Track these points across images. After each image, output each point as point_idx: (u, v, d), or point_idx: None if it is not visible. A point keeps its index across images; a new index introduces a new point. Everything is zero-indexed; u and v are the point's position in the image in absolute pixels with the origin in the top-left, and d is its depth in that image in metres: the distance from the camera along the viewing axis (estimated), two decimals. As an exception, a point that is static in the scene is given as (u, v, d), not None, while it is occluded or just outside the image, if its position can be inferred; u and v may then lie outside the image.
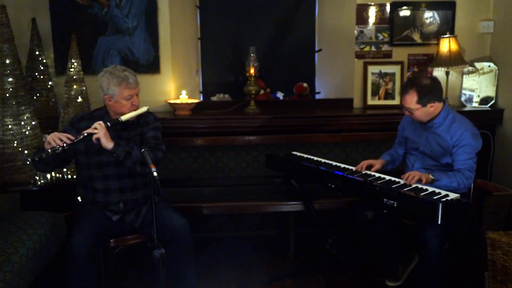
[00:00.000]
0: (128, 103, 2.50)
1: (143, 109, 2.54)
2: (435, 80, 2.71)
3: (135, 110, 2.51)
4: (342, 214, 3.42)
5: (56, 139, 2.28)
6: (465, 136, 2.59)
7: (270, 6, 4.15)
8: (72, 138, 2.33)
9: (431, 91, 2.61)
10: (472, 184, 2.73)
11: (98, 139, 2.33)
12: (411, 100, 2.60)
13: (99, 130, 2.33)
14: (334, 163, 2.94)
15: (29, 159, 2.30)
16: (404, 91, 2.65)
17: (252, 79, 3.68)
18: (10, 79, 2.98)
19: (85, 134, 2.33)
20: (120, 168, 2.49)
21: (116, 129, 2.51)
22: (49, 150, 2.26)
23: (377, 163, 2.84)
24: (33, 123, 3.10)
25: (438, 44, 3.77)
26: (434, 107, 2.63)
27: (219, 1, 4.11)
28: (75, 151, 2.52)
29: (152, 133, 2.59)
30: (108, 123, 2.39)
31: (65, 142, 2.28)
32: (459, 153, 2.60)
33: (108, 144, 2.34)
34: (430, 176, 2.54)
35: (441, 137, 2.66)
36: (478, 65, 3.83)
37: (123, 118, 2.46)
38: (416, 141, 2.80)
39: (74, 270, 2.33)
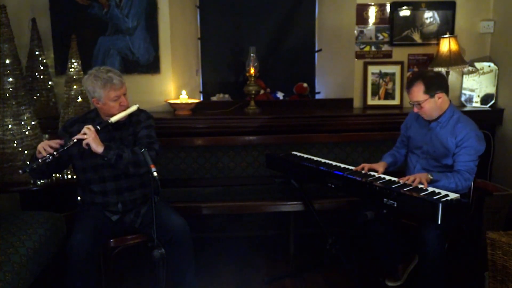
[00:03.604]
0: (116, 104, 2.47)
1: (133, 109, 2.52)
2: (439, 73, 2.80)
3: (124, 110, 2.49)
4: (342, 214, 3.41)
5: (47, 147, 2.27)
6: (469, 137, 2.58)
7: (270, 6, 4.15)
8: (62, 143, 2.33)
9: (437, 80, 2.64)
10: (472, 184, 2.73)
11: (88, 144, 2.31)
12: (418, 91, 2.60)
13: (88, 134, 2.30)
14: (334, 163, 2.94)
15: (20, 171, 2.27)
16: (410, 84, 2.65)
17: (252, 79, 3.68)
18: (10, 79, 2.98)
19: (75, 140, 2.31)
20: (115, 169, 2.47)
21: (108, 130, 2.49)
22: (40, 160, 2.24)
23: (380, 168, 2.79)
24: (33, 123, 3.10)
25: (438, 44, 3.77)
26: (442, 99, 2.63)
27: (219, 1, 4.11)
28: (70, 155, 2.51)
29: (145, 132, 2.56)
30: (98, 127, 2.37)
31: (55, 151, 2.26)
32: (461, 154, 2.60)
33: (98, 148, 2.31)
34: (429, 176, 2.54)
35: (445, 137, 2.65)
36: (478, 65, 3.83)
37: (113, 119, 2.44)
38: (420, 140, 2.79)
39: (74, 270, 2.33)
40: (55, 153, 2.26)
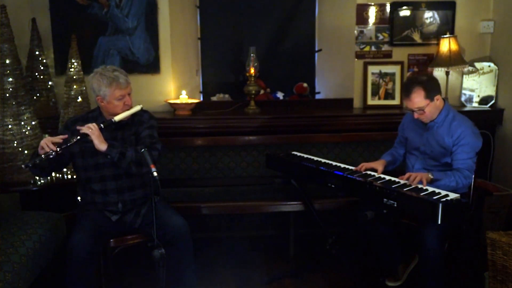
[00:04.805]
0: (121, 103, 2.48)
1: (136, 108, 2.53)
2: (432, 76, 2.84)
3: (128, 109, 2.50)
4: (342, 214, 3.41)
5: (49, 144, 2.27)
6: (465, 135, 2.59)
7: (270, 6, 4.15)
8: (66, 137, 2.33)
9: (433, 83, 2.65)
10: (472, 184, 2.73)
11: (91, 141, 2.32)
12: (419, 96, 2.58)
13: (91, 132, 2.32)
14: (334, 163, 2.94)
15: (23, 165, 2.28)
16: (408, 92, 2.61)
17: (252, 79, 3.68)
18: (10, 79, 2.99)
19: (78, 137, 2.32)
20: (117, 168, 2.48)
21: (111, 129, 2.50)
22: (43, 156, 2.25)
23: (380, 166, 2.79)
24: (33, 123, 3.10)
25: (438, 44, 3.77)
26: (439, 100, 2.65)
27: (219, 1, 4.11)
28: (71, 153, 2.51)
29: (147, 132, 2.56)
30: (101, 125, 2.38)
31: (58, 147, 2.27)
32: (459, 152, 2.60)
33: (101, 145, 2.33)
34: (429, 175, 2.55)
35: (442, 136, 2.66)
36: (478, 65, 3.83)
37: (116, 118, 2.44)
38: (417, 141, 2.79)
39: (74, 270, 2.33)
40: (58, 149, 2.26)
